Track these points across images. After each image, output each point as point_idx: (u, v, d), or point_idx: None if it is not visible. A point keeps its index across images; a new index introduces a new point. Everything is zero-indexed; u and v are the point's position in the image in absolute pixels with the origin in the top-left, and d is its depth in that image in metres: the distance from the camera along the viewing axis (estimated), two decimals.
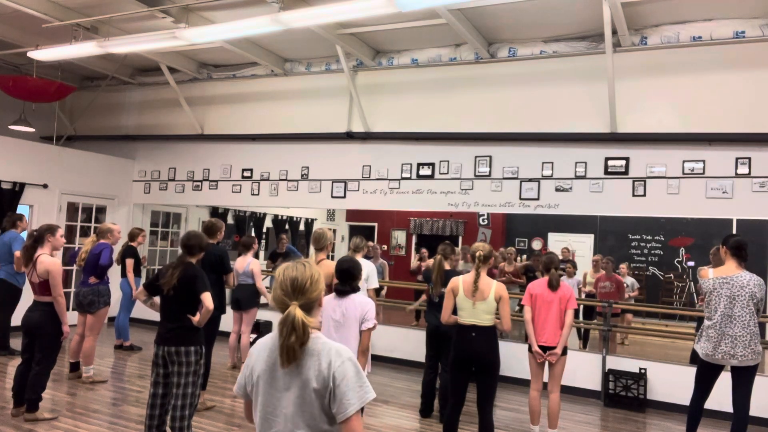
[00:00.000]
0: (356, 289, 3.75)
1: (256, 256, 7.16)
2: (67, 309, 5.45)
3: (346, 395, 1.72)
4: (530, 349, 4.72)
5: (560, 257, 7.24)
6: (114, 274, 8.94)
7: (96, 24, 6.92)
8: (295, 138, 8.23)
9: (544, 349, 4.64)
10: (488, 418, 4.07)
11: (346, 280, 3.71)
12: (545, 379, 4.82)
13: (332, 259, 4.98)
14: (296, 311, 1.75)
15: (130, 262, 7.09)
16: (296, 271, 1.82)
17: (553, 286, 4.67)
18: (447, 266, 5.24)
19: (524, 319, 4.75)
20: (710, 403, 4.51)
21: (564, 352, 4.69)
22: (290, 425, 1.75)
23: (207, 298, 3.75)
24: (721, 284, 4.26)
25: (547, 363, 4.70)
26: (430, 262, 6.67)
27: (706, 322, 4.35)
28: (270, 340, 1.87)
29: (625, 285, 8.77)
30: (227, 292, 5.94)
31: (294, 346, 1.72)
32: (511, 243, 12.74)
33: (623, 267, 9.14)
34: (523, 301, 4.79)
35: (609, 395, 6.14)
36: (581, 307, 8.64)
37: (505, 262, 9.09)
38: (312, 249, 4.89)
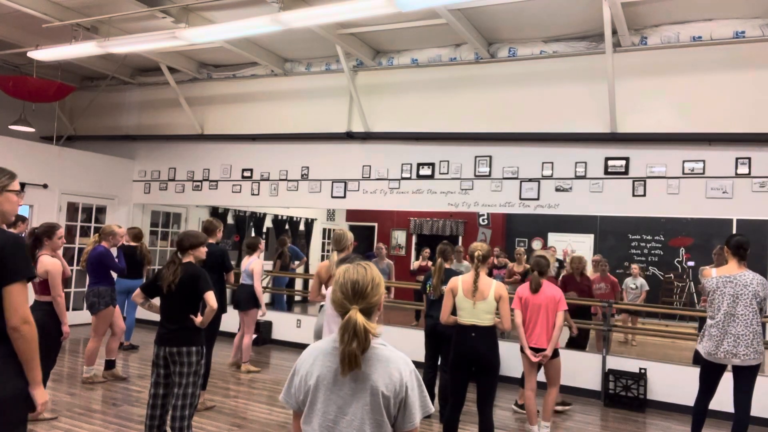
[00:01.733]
0: None
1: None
2: (67, 309, 5.45)
3: (415, 405, 1.71)
4: (522, 350, 4.73)
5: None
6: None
7: (96, 24, 6.92)
8: (295, 138, 8.23)
9: (535, 351, 4.64)
10: (488, 418, 4.07)
11: None
12: (540, 378, 4.84)
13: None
14: (357, 316, 1.68)
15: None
16: (357, 274, 1.75)
17: (533, 288, 4.68)
18: (447, 266, 5.28)
19: (515, 323, 4.74)
20: (711, 403, 4.50)
21: (556, 354, 4.70)
22: (354, 431, 1.68)
23: (210, 297, 3.73)
24: (724, 283, 4.27)
25: (543, 365, 4.71)
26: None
27: (709, 321, 4.35)
28: (327, 344, 1.78)
29: (632, 287, 8.76)
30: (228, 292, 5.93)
31: (356, 353, 1.65)
32: (511, 243, 12.74)
33: (635, 268, 9.12)
34: (513, 304, 4.73)
35: (609, 395, 6.14)
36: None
37: (515, 263, 9.07)
38: (332, 250, 4.86)
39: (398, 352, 1.77)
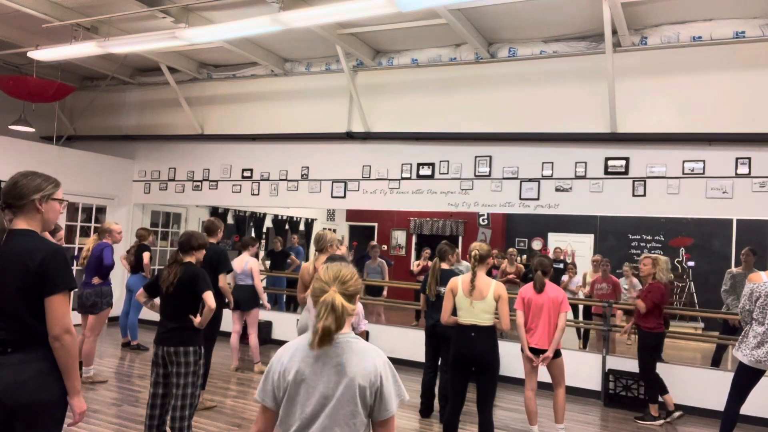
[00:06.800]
0: None
1: (256, 256, 7.16)
2: None
3: (391, 394, 1.78)
4: (523, 350, 4.73)
5: (553, 257, 7.26)
6: (118, 274, 8.91)
7: (96, 24, 6.92)
8: (295, 138, 8.23)
9: (537, 351, 4.64)
10: (488, 418, 4.07)
11: None
12: (541, 379, 4.84)
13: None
14: (336, 295, 1.76)
15: (147, 255, 7.23)
16: (341, 267, 1.87)
17: (537, 288, 4.68)
18: (445, 266, 5.26)
19: (516, 323, 4.75)
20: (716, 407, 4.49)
21: (558, 354, 4.69)
22: (329, 421, 1.74)
23: (209, 297, 3.74)
24: None
25: (545, 365, 4.71)
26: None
27: (758, 328, 4.22)
28: (303, 340, 1.84)
29: (624, 288, 8.76)
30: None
31: (330, 328, 1.72)
32: (511, 243, 12.74)
33: (626, 268, 9.11)
34: (516, 305, 4.77)
35: (609, 395, 6.14)
36: (581, 307, 8.65)
37: (506, 262, 9.09)
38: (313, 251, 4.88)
39: (372, 345, 1.85)
